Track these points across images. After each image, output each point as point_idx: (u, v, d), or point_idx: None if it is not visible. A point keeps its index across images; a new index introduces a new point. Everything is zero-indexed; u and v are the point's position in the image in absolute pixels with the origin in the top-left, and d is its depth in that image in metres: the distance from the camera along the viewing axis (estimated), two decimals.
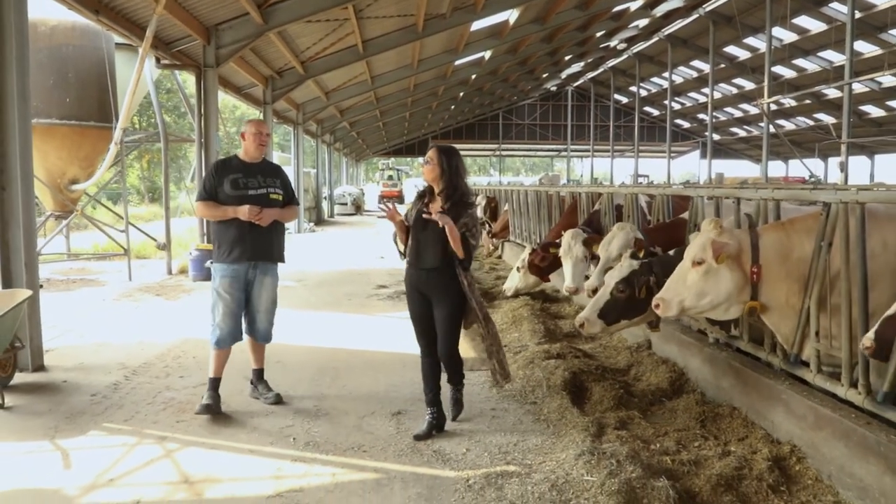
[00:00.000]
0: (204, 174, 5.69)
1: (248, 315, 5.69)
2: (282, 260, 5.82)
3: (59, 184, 13.24)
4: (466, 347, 6.63)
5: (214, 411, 5.37)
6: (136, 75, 10.90)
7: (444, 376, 5.17)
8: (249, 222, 5.42)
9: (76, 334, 8.20)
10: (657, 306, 4.59)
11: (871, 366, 3.90)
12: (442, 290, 4.87)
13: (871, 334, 3.44)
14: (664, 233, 6.50)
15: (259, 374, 5.90)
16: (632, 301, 5.14)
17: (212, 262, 5.68)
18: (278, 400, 5.69)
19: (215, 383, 5.56)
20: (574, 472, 4.03)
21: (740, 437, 4.71)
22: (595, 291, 6.07)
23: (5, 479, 4.23)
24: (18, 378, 6.20)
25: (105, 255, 16.47)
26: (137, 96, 12.78)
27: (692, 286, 4.48)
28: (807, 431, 4.27)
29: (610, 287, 5.21)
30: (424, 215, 4.82)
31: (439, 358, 5.03)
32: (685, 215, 6.33)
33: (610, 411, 5.26)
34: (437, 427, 4.98)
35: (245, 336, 5.76)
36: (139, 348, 7.51)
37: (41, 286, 6.93)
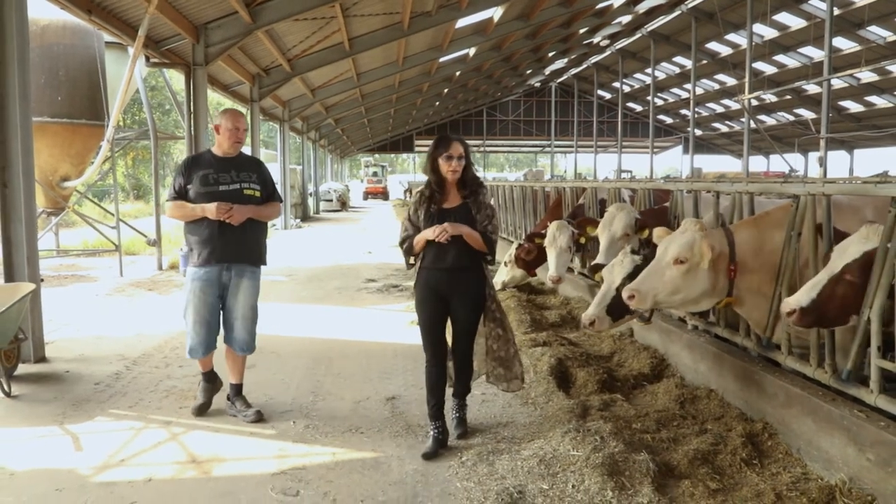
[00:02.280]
0: (175, 172, 5.41)
1: (225, 323, 5.30)
2: (261, 262, 5.38)
3: (51, 181, 13.35)
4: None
5: (208, 407, 5.36)
6: (129, 74, 11.05)
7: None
8: (220, 221, 5.00)
9: (73, 328, 8.38)
10: (630, 297, 4.61)
11: (836, 347, 4.20)
12: (465, 290, 4.66)
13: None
14: (652, 219, 6.72)
15: (237, 390, 5.42)
16: None
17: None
18: (259, 417, 5.19)
19: (208, 375, 5.44)
20: (561, 447, 4.30)
21: (717, 417, 4.99)
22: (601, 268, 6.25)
23: (21, 461, 4.45)
24: (22, 369, 6.38)
25: (95, 251, 16.60)
26: (127, 94, 12.91)
27: (669, 282, 4.58)
28: (778, 409, 4.56)
29: (616, 283, 5.13)
30: (439, 239, 4.45)
31: (454, 356, 4.80)
32: (667, 205, 6.60)
33: (594, 395, 5.53)
34: (442, 443, 4.65)
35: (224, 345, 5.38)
36: (137, 340, 7.70)
37: (42, 280, 7.09)
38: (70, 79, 13.10)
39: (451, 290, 4.64)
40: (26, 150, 6.88)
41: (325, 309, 9.75)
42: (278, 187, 23.73)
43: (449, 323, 4.81)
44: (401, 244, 4.80)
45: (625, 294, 4.65)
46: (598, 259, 6.42)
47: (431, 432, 4.68)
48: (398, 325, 8.32)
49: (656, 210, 6.99)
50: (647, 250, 5.51)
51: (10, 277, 6.82)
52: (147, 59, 13.91)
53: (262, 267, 5.42)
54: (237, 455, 4.56)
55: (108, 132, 11.62)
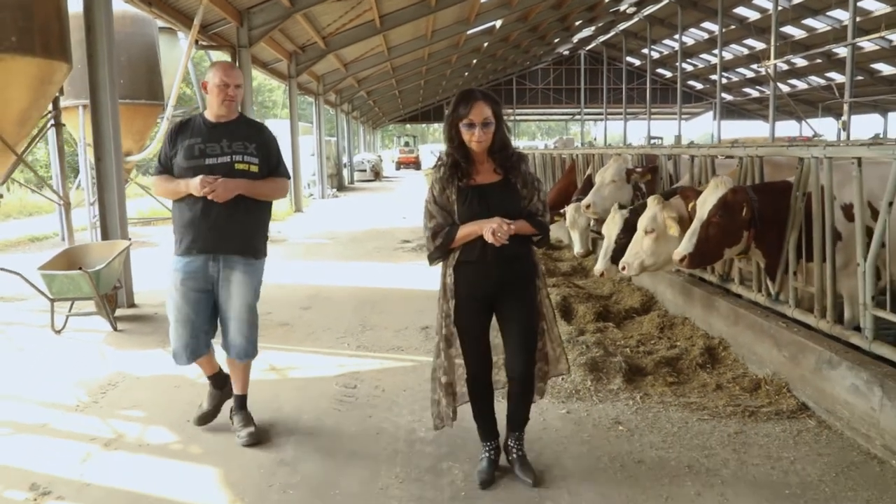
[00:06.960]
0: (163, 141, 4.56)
1: (221, 324, 4.41)
2: (256, 253, 4.34)
3: None
4: None
5: (211, 417, 4.54)
6: (185, 59, 12.37)
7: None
8: (204, 201, 4.07)
9: (150, 282, 9.75)
10: (623, 269, 5.71)
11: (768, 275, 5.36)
12: (521, 285, 3.69)
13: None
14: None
15: (240, 403, 4.51)
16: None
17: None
18: (254, 441, 4.30)
19: (215, 379, 4.61)
20: None
21: (687, 337, 6.17)
22: (588, 207, 7.50)
23: (142, 370, 5.86)
24: (119, 312, 7.77)
25: (150, 219, 18.17)
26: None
27: (647, 249, 5.63)
28: (730, 327, 5.73)
29: (613, 237, 6.29)
30: (493, 239, 3.40)
31: (511, 383, 3.73)
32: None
33: (590, 323, 6.73)
34: (496, 464, 3.86)
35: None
36: None
37: (130, 240, 8.43)
38: (131, 63, 14.42)
39: (503, 287, 3.65)
40: (115, 129, 8.23)
41: (366, 265, 11.07)
42: (313, 159, 24.81)
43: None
44: (433, 238, 3.64)
45: (619, 266, 5.74)
46: (588, 198, 7.59)
47: (485, 454, 3.87)
48: (431, 276, 9.56)
49: (648, 168, 8.14)
50: (639, 202, 6.65)
51: (105, 236, 8.20)
52: (196, 42, 15.23)
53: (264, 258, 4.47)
54: (306, 365, 5.88)
55: (168, 111, 12.95)
